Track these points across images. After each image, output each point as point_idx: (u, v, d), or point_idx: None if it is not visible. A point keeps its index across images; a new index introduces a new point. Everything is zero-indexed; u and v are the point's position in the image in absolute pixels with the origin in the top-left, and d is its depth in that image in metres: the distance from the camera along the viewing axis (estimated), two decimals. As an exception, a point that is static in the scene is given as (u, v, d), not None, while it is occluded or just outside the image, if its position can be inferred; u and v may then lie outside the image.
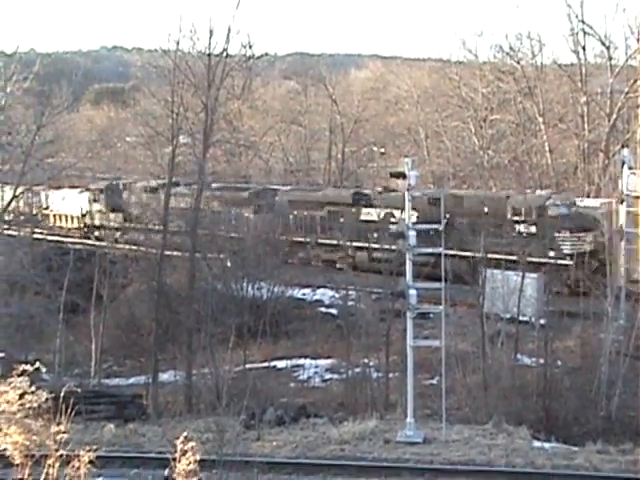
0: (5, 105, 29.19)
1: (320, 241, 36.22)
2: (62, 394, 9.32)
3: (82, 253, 34.62)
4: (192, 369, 24.85)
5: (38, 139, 29.42)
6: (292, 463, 16.60)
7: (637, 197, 27.14)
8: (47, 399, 7.21)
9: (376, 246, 32.71)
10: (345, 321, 26.65)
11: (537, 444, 18.05)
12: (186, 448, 9.52)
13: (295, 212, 36.82)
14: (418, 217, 32.19)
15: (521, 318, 23.79)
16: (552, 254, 29.07)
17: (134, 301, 31.50)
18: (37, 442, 7.57)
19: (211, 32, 28.04)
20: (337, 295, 31.90)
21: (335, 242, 35.57)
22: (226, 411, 18.18)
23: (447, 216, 29.93)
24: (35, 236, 36.48)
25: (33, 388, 7.11)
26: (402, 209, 31.44)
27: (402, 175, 19.03)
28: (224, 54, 28.89)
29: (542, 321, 23.83)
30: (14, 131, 30.56)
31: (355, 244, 34.93)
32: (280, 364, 27.52)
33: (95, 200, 43.47)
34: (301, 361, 27.99)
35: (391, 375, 23.27)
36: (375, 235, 33.13)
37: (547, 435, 18.88)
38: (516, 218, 30.83)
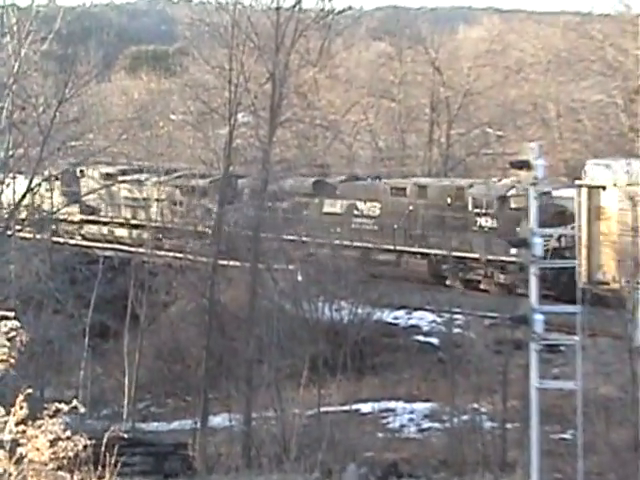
0: (19, 73, 29.89)
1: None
2: (105, 441, 9.53)
3: (113, 261, 35.30)
4: (252, 412, 25.09)
5: (59, 116, 30.07)
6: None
7: (597, 187, 30.32)
8: (86, 447, 7.41)
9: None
10: (449, 354, 26.59)
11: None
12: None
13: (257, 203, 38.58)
14: (381, 209, 35.57)
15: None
16: (514, 252, 30.12)
17: (179, 323, 32.00)
18: None
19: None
20: (439, 320, 31.85)
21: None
22: (295, 467, 18.34)
23: (410, 208, 34.93)
24: (54, 239, 37.32)
25: (68, 433, 7.31)
26: (366, 200, 35.42)
27: (526, 165, 18.86)
28: (296, 8, 29.19)
29: None
30: (30, 106, 31.26)
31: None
32: (365, 408, 27.61)
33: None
34: (392, 404, 28.03)
35: (509, 426, 23.11)
36: (339, 230, 35.64)
37: None
38: (477, 210, 33.78)
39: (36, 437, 7.21)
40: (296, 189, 37.94)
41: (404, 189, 35.97)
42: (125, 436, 11.53)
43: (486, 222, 33.57)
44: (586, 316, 19.44)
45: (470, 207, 34.17)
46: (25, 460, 7.19)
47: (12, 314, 7.47)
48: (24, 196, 31.05)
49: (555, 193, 32.91)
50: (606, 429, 21.41)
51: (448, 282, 34.12)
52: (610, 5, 49.35)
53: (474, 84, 53.93)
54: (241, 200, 37.30)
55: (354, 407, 26.76)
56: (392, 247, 35.51)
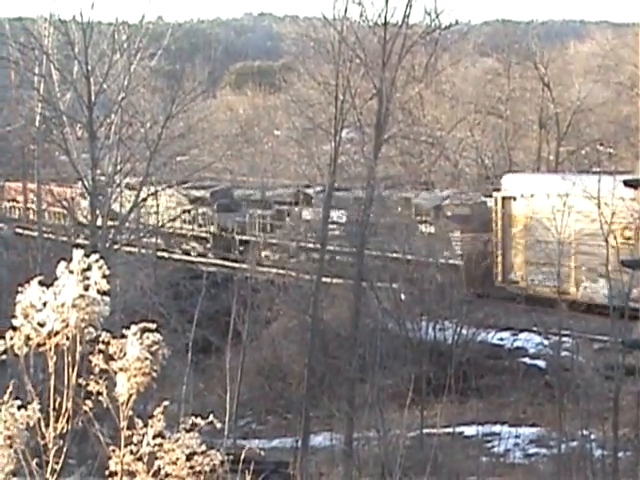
0: (128, 88, 30.43)
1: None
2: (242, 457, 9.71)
3: (217, 277, 35.67)
4: (353, 432, 25.03)
5: (166, 132, 30.54)
6: None
7: (510, 197, 35.26)
8: (222, 462, 7.47)
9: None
10: (557, 378, 26.21)
11: None
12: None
13: (250, 211, 43.24)
14: (347, 216, 37.34)
15: None
16: (446, 254, 35.23)
17: (281, 340, 32.15)
18: None
19: (388, -5, 28.42)
20: (546, 342, 31.43)
21: None
22: (398, 489, 18.21)
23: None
24: (159, 254, 37.87)
25: (204, 447, 7.39)
26: (340, 209, 37.29)
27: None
28: (404, 24, 29.19)
29: None
30: (137, 122, 31.81)
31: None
32: (469, 431, 27.34)
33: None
34: (496, 428, 27.71)
35: (620, 454, 22.68)
36: (313, 234, 38.24)
37: None
38: (419, 218, 37.21)
39: (173, 451, 7.28)
40: (280, 198, 42.19)
41: (362, 199, 37.44)
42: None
43: (426, 228, 36.89)
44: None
45: (413, 215, 37.46)
46: (162, 473, 7.28)
47: (154, 326, 7.54)
48: (131, 210, 31.57)
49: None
50: None
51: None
52: None
53: (585, 100, 53.23)
54: (241, 210, 42.91)
55: (458, 430, 26.50)
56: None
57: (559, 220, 29.65)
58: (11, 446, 7.03)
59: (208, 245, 43.10)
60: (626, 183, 19.23)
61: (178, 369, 28.41)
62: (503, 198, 35.41)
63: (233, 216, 43.07)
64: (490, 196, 37.93)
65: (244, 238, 42.37)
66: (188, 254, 42.84)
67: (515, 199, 35.07)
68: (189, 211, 42.53)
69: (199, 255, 43.03)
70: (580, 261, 32.27)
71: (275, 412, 30.73)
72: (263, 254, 40.76)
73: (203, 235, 43.48)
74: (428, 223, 37.08)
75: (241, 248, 42.13)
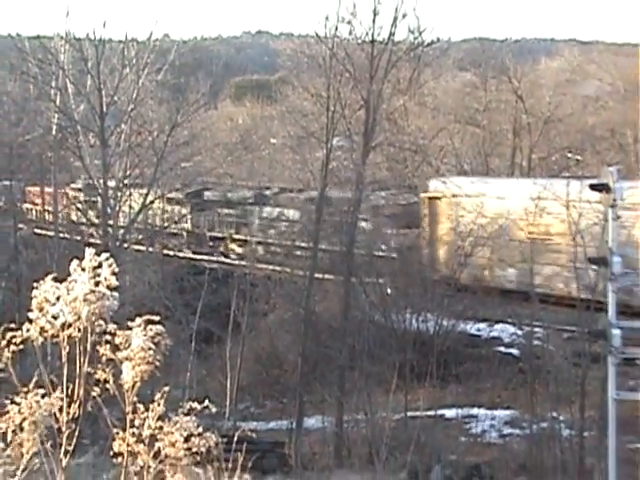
0: (137, 100, 30.34)
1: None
2: (235, 438, 9.65)
3: (218, 273, 35.59)
4: (343, 414, 24.99)
5: (172, 140, 30.48)
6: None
7: (435, 198, 36.40)
8: (217, 444, 7.44)
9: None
10: (529, 365, 26.18)
11: None
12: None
13: (219, 210, 43.99)
14: (300, 215, 37.68)
15: None
16: (383, 247, 35.43)
17: (277, 331, 32.05)
18: None
19: (374, 14, 28.33)
20: (519, 333, 31.39)
21: None
22: (384, 467, 18.16)
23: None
24: (165, 252, 37.77)
25: (200, 430, 7.36)
26: (291, 208, 38.65)
27: (605, 188, 18.52)
28: (389, 41, 29.10)
29: None
30: (145, 130, 31.74)
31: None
32: (449, 413, 27.30)
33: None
34: (474, 411, 27.68)
35: (586, 434, 22.63)
36: (272, 232, 39.78)
37: None
38: (360, 216, 36.80)
39: (172, 433, 7.26)
40: (242, 199, 43.08)
41: (313, 199, 37.51)
42: (254, 436, 11.54)
43: (365, 225, 36.66)
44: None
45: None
46: (162, 454, 7.26)
47: (157, 318, 7.50)
48: (139, 212, 31.49)
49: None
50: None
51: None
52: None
53: (555, 111, 53.20)
54: (209, 208, 43.19)
55: (439, 412, 26.46)
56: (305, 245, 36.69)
57: (475, 217, 32.50)
58: (35, 430, 7.01)
59: (182, 240, 43.43)
60: (592, 187, 19.27)
61: (182, 357, 28.41)
62: (429, 198, 36.70)
63: (204, 215, 44.02)
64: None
65: (213, 234, 43.41)
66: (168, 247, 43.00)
67: (440, 199, 36.32)
68: (167, 210, 42.98)
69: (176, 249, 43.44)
70: (494, 252, 33.56)
71: (272, 397, 30.65)
72: (230, 247, 42.16)
73: (178, 232, 44.06)
74: (367, 221, 37.02)
75: (211, 243, 43.17)
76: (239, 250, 42.18)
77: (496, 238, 33.50)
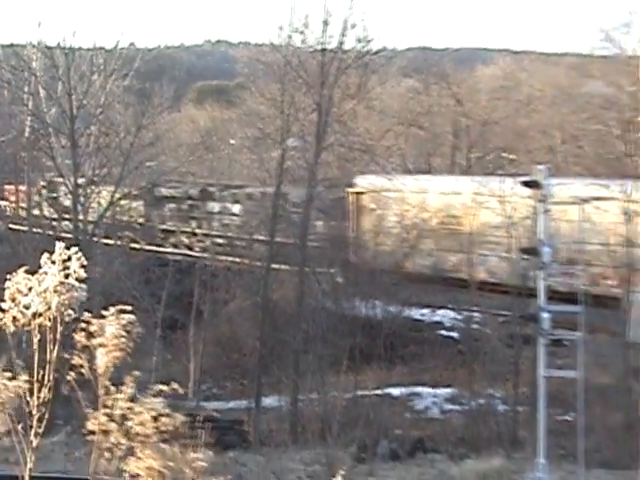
0: (104, 104, 30.14)
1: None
2: (200, 419, 9.67)
3: (181, 264, 35.45)
4: (298, 394, 25.05)
5: (137, 141, 30.29)
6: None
7: (360, 192, 37.63)
8: (184, 423, 7.48)
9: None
10: (468, 346, 26.42)
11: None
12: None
13: (171, 205, 44.78)
14: (241, 209, 38.81)
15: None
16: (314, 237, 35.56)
17: (236, 318, 32.01)
18: (172, 469, 7.83)
19: (325, 24, 28.36)
20: (459, 317, 31.65)
21: None
22: (335, 442, 18.26)
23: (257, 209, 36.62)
24: (132, 245, 37.53)
25: (168, 410, 7.39)
26: (233, 203, 40.03)
27: (535, 184, 18.75)
28: (339, 50, 29.14)
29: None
30: (112, 132, 31.52)
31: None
32: (395, 392, 27.48)
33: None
34: (418, 389, 27.89)
35: (519, 409, 22.93)
36: (215, 224, 40.71)
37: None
38: (293, 209, 37.12)
39: (141, 413, 7.29)
40: (191, 195, 43.83)
41: (252, 194, 39.05)
42: (219, 417, 11.56)
43: (298, 218, 37.18)
44: (586, 315, 19.31)
45: (289, 207, 37.78)
46: (132, 432, 7.29)
47: (129, 308, 7.53)
48: (107, 209, 31.28)
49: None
50: (603, 412, 21.19)
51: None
52: (607, 48, 48.85)
53: (490, 114, 53.53)
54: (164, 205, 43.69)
55: (386, 391, 26.65)
56: (246, 237, 37.34)
57: (396, 210, 33.80)
58: (3, 411, 7.01)
59: (137, 232, 43.58)
60: (524, 184, 19.45)
61: (149, 343, 28.33)
62: (355, 193, 37.60)
63: (155, 209, 44.48)
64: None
65: (164, 227, 43.90)
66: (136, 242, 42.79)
67: (364, 194, 37.47)
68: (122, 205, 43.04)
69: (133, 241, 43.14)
70: (415, 242, 34.55)
71: (232, 378, 30.64)
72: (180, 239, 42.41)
73: (134, 225, 44.01)
74: (300, 214, 37.37)
75: (162, 235, 43.59)
76: (187, 241, 42.54)
77: (417, 229, 34.62)
